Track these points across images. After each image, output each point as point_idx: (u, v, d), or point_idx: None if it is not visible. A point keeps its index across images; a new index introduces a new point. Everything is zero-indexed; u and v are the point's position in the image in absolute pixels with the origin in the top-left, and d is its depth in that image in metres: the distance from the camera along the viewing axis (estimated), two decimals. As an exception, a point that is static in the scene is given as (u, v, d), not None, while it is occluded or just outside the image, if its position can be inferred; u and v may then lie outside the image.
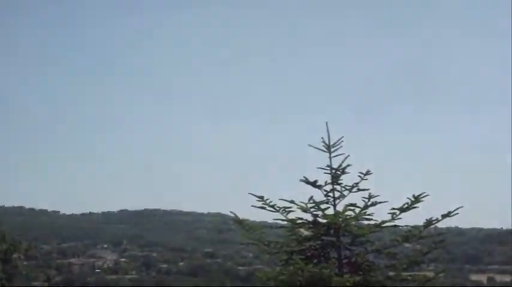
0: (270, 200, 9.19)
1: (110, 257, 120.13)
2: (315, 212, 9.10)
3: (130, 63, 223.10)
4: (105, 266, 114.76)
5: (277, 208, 9.18)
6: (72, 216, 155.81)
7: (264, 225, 9.69)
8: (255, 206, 9.19)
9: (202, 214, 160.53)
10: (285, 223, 9.24)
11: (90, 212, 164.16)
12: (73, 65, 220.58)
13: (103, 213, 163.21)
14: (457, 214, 8.78)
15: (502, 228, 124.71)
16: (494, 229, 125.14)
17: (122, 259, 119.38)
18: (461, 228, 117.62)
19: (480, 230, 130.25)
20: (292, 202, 9.12)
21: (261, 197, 9.21)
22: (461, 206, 8.76)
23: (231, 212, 9.48)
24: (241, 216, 9.47)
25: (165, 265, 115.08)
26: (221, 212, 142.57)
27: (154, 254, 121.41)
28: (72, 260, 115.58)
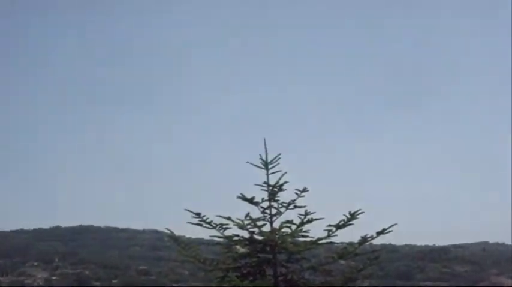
0: (207, 216, 9.13)
1: (40, 275, 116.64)
2: (251, 229, 9.06)
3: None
4: (35, 284, 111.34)
5: (214, 225, 9.11)
6: (1, 233, 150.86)
7: (200, 242, 9.61)
8: (191, 223, 9.11)
9: (137, 231, 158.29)
10: (222, 239, 9.16)
11: (21, 229, 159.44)
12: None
13: (34, 230, 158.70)
14: (391, 231, 8.91)
15: (434, 245, 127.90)
16: (426, 246, 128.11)
17: (53, 277, 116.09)
18: (395, 245, 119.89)
19: (413, 247, 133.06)
20: (229, 218, 9.06)
21: (198, 214, 9.12)
22: (396, 224, 8.89)
23: (167, 229, 9.36)
24: (177, 233, 9.38)
25: (97, 283, 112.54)
26: (157, 229, 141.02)
27: (87, 272, 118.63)
28: (1, 278, 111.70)
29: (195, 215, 9.12)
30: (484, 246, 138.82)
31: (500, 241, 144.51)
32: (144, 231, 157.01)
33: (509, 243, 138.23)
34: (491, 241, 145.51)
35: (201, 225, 9.11)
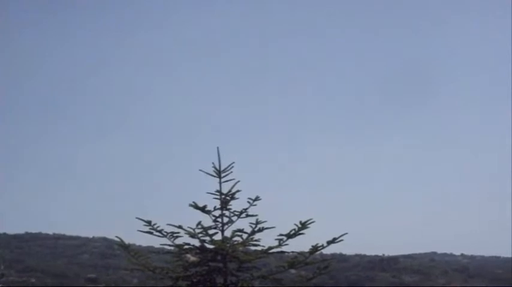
0: (158, 225, 9.06)
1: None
2: (202, 238, 9.03)
3: None
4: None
5: (165, 233, 9.06)
6: None
7: (150, 250, 9.52)
8: (142, 231, 9.03)
9: (87, 239, 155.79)
10: (172, 248, 9.10)
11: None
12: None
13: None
14: (342, 240, 8.98)
15: (384, 254, 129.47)
16: (376, 256, 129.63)
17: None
18: (345, 254, 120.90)
19: (363, 256, 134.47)
20: (180, 227, 9.02)
21: (149, 222, 9.05)
22: (346, 233, 8.97)
23: (116, 236, 9.24)
24: (127, 241, 9.26)
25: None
26: (107, 236, 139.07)
27: (33, 280, 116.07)
28: None
29: (145, 224, 9.05)
30: (432, 256, 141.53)
31: (448, 251, 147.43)
32: (93, 239, 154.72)
33: (457, 254, 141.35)
34: (439, 251, 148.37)
35: (151, 233, 9.05)
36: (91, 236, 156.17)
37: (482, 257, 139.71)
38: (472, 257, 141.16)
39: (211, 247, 8.98)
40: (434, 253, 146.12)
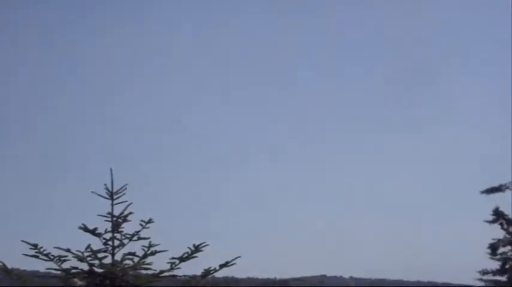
0: (45, 248, 8.73)
1: None
2: (91, 261, 8.78)
3: None
4: None
5: (52, 257, 8.73)
6: None
7: (35, 275, 9.17)
8: (27, 255, 8.66)
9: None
10: (59, 272, 8.80)
11: None
12: None
13: None
14: (235, 264, 9.01)
15: (275, 277, 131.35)
16: (268, 279, 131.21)
17: None
18: (237, 278, 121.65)
19: (255, 280, 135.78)
20: (68, 250, 8.73)
21: (35, 245, 8.72)
22: (239, 256, 8.99)
23: (-1, 260, 8.82)
24: (11, 265, 8.84)
25: None
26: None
27: None
28: None
29: (31, 247, 8.70)
30: (322, 279, 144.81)
31: (337, 274, 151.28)
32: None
33: (346, 277, 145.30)
34: (328, 274, 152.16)
35: (37, 257, 8.70)
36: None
37: (370, 279, 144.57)
38: (361, 280, 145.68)
39: (100, 270, 8.76)
40: (324, 276, 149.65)
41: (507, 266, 27.23)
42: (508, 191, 27.26)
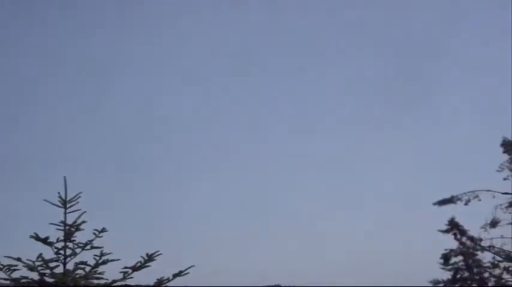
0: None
1: None
2: (42, 271, 8.64)
3: None
4: None
5: (1, 266, 8.56)
6: None
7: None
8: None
9: None
10: (8, 282, 8.63)
11: None
12: None
13: None
14: (188, 273, 8.98)
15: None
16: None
17: None
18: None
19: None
20: (18, 259, 8.59)
21: (-17, 254, 8.54)
22: (193, 266, 8.96)
23: None
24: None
25: None
26: None
27: None
28: None
29: (-21, 256, 8.53)
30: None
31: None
32: None
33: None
34: (282, 284, 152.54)
35: (-15, 266, 8.53)
36: None
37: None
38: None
39: (52, 280, 8.63)
40: None
41: (458, 276, 27.72)
42: (459, 203, 27.78)
